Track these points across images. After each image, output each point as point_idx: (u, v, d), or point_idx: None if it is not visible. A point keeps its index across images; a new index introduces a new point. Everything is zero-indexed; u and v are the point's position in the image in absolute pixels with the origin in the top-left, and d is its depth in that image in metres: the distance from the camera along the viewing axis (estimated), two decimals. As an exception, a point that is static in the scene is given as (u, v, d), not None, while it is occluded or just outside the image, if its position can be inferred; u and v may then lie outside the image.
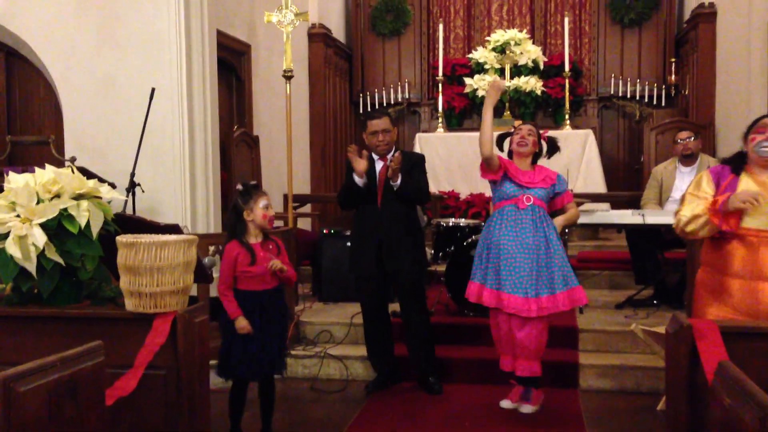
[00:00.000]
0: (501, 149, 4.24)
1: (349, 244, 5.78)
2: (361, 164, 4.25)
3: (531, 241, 3.94)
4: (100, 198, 2.95)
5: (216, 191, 5.47)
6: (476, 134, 8.58)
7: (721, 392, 1.83)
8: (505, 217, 4.02)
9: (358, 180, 4.30)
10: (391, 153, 4.41)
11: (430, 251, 5.82)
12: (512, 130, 4.25)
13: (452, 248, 5.38)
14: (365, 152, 4.35)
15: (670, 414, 2.47)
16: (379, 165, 4.43)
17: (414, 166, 4.43)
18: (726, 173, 3.18)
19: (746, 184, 3.10)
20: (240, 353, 3.51)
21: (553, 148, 4.24)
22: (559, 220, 4.12)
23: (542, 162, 4.23)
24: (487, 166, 4.00)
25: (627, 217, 5.29)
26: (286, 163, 5.75)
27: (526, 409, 4.09)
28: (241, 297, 3.54)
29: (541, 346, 4.01)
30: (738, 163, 3.18)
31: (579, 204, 6.20)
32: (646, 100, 9.23)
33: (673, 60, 9.06)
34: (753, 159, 3.14)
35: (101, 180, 3.24)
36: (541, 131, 4.24)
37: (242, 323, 3.49)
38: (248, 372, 3.58)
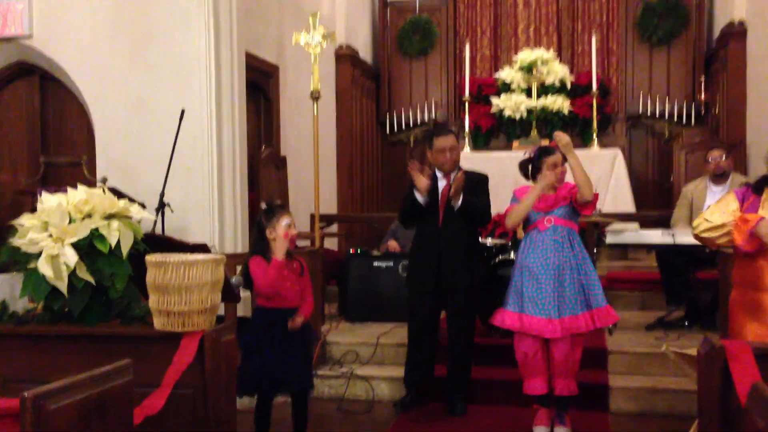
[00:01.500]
0: (527, 176, 4.19)
1: (375, 263, 5.81)
2: (422, 181, 4.23)
3: (552, 262, 3.92)
4: (131, 218, 2.99)
5: (244, 211, 5.51)
6: (504, 154, 8.56)
7: (755, 414, 1.79)
8: (530, 240, 4.04)
9: (420, 197, 4.29)
10: (455, 172, 4.39)
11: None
12: (528, 156, 4.15)
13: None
14: (427, 168, 4.31)
15: (702, 438, 2.42)
16: (442, 183, 4.42)
17: (477, 185, 4.40)
18: (749, 194, 3.17)
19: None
20: (259, 368, 3.52)
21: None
22: (569, 144, 3.97)
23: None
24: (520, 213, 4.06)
25: (657, 236, 5.23)
26: (313, 182, 5.78)
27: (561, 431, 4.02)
28: (264, 314, 3.57)
29: (576, 363, 3.99)
30: (761, 185, 3.15)
31: (606, 224, 6.17)
32: (675, 118, 9.12)
33: (702, 78, 8.97)
34: None
35: (131, 200, 3.28)
36: (549, 144, 4.18)
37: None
38: (269, 387, 3.58)
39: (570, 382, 3.96)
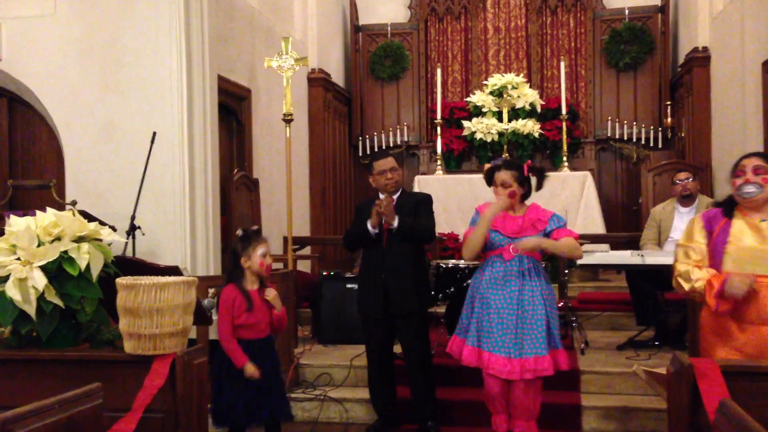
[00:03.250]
0: (489, 184, 3.94)
1: (348, 285, 5.80)
2: (375, 219, 4.28)
3: (516, 296, 3.68)
4: (101, 240, 2.96)
5: (216, 234, 5.48)
6: (476, 176, 8.58)
7: (723, 431, 1.82)
8: (491, 268, 3.79)
9: (371, 230, 4.32)
10: (397, 193, 4.43)
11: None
12: (491, 164, 3.94)
13: (452, 289, 5.37)
14: (391, 202, 4.33)
15: (673, 455, 2.45)
16: None
17: (419, 204, 4.43)
18: (718, 217, 3.17)
19: (739, 226, 3.09)
20: (234, 398, 3.47)
21: (540, 176, 3.92)
22: (539, 242, 3.70)
23: (536, 196, 3.96)
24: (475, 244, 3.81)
25: (626, 257, 5.29)
26: (286, 205, 5.78)
27: None
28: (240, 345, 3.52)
29: (537, 405, 3.80)
30: (729, 206, 3.17)
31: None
32: (643, 142, 9.32)
33: (668, 103, 9.18)
34: (739, 202, 3.15)
35: (102, 223, 3.26)
36: (524, 165, 3.89)
37: (250, 370, 3.46)
38: (245, 418, 3.53)
39: (530, 425, 3.80)
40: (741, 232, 3.08)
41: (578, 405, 4.60)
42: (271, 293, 3.55)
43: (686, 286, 3.10)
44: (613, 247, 6.60)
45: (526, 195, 3.89)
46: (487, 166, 4.12)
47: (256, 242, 3.56)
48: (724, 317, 3.06)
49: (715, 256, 3.10)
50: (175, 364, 2.63)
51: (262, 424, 3.65)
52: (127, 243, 4.74)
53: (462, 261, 5.81)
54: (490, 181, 3.90)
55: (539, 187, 3.95)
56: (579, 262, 6.03)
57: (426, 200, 4.50)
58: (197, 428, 2.71)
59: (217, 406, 3.50)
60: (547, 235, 3.75)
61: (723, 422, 1.84)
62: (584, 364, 4.97)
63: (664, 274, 5.36)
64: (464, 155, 9.79)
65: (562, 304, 5.92)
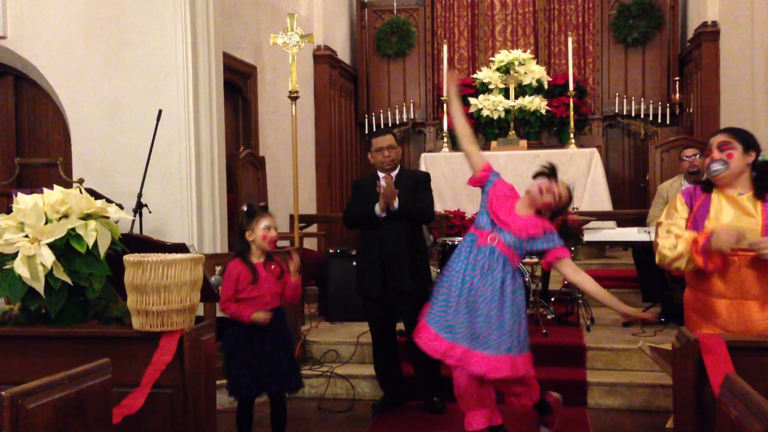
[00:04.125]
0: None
1: (354, 263, 5.82)
2: (382, 202, 4.26)
3: (478, 284, 3.35)
4: (108, 218, 2.97)
5: (222, 212, 5.49)
6: (483, 154, 8.56)
7: (728, 405, 1.82)
8: (466, 245, 3.48)
9: (380, 214, 4.30)
10: (395, 171, 4.43)
11: (435, 270, 5.81)
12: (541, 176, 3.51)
13: (458, 267, 5.37)
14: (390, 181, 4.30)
15: (677, 428, 2.46)
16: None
17: (418, 183, 4.43)
18: (698, 193, 3.17)
19: (717, 201, 3.09)
20: (244, 370, 3.52)
21: (567, 234, 3.59)
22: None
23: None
24: (468, 160, 3.57)
25: (633, 234, 5.29)
26: (292, 183, 5.78)
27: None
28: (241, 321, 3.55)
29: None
30: (708, 183, 3.16)
31: (585, 222, 6.22)
32: (651, 118, 9.26)
33: (677, 78, 9.10)
34: (711, 180, 3.13)
35: (108, 201, 3.27)
36: (570, 213, 3.59)
37: (260, 316, 3.51)
38: (256, 389, 3.58)
39: (522, 398, 3.54)
40: (720, 207, 3.07)
41: (584, 381, 4.62)
42: (295, 259, 3.61)
43: (671, 254, 3.05)
44: (620, 224, 6.59)
45: (552, 217, 3.52)
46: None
47: (260, 216, 3.59)
48: (706, 294, 3.06)
49: (695, 227, 3.09)
50: (183, 341, 2.65)
51: (270, 394, 3.69)
52: (134, 221, 4.75)
53: (458, 238, 5.80)
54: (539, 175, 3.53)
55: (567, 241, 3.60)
56: (585, 238, 6.03)
57: (425, 179, 4.49)
58: (205, 403, 2.74)
59: (231, 379, 3.55)
60: (539, 251, 3.49)
61: (728, 396, 1.85)
62: (590, 341, 4.99)
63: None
64: (471, 132, 9.74)
65: (568, 282, 5.93)
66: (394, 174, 4.41)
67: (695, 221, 3.10)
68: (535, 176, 3.52)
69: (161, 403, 2.62)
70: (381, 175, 4.43)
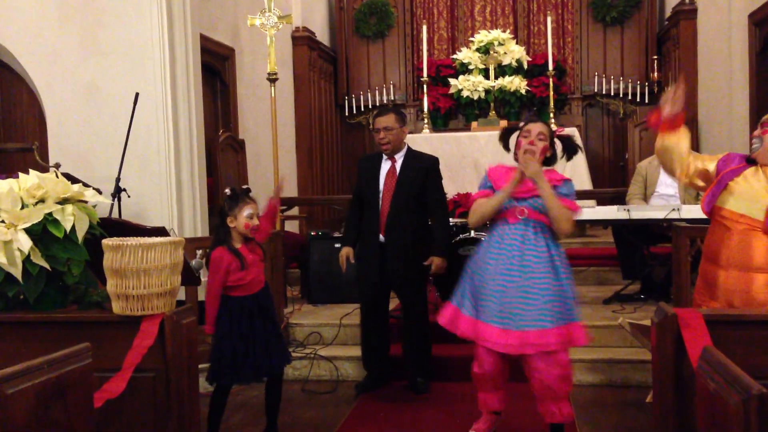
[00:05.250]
0: (506, 148, 3.60)
1: (336, 245, 5.81)
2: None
3: (518, 262, 3.27)
4: (86, 203, 2.94)
5: (202, 195, 5.46)
6: (463, 134, 8.41)
7: (706, 377, 1.85)
8: (495, 233, 3.40)
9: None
10: (400, 154, 4.33)
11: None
12: (520, 125, 3.52)
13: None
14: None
15: (656, 402, 2.49)
16: (386, 165, 4.38)
17: (428, 173, 4.30)
18: (737, 160, 3.11)
19: (753, 170, 3.04)
20: (234, 357, 3.47)
21: (571, 148, 3.54)
22: (540, 176, 3.30)
23: (560, 164, 3.61)
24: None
25: (613, 212, 5.32)
26: (273, 166, 5.75)
27: None
28: (238, 303, 3.52)
29: (563, 381, 3.32)
30: (753, 160, 3.10)
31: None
32: (630, 97, 9.30)
33: (655, 57, 9.14)
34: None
35: (86, 185, 3.22)
36: (555, 129, 3.58)
37: (213, 336, 3.49)
38: (252, 375, 3.54)
39: (561, 406, 3.33)
40: (752, 174, 3.03)
41: (565, 358, 4.66)
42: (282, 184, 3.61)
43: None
44: (600, 203, 6.64)
45: (548, 160, 3.48)
46: (504, 123, 3.78)
47: (243, 203, 3.54)
48: (713, 265, 3.06)
49: (718, 184, 3.06)
50: (164, 324, 2.63)
51: (269, 376, 3.66)
52: (112, 205, 4.71)
53: (450, 220, 5.81)
54: (507, 139, 3.57)
55: (568, 158, 3.58)
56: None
57: (434, 168, 4.34)
58: (188, 387, 2.73)
59: (216, 366, 3.50)
60: (559, 192, 3.37)
61: (706, 369, 1.87)
62: (571, 319, 5.02)
63: (650, 228, 5.41)
64: (451, 113, 9.75)
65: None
66: (398, 157, 4.32)
67: (722, 178, 3.06)
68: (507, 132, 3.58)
69: (144, 387, 2.60)
70: (384, 156, 4.35)
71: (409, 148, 4.43)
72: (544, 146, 3.40)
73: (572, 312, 3.30)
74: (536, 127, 3.42)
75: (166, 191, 5.16)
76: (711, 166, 3.15)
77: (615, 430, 3.87)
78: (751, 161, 3.09)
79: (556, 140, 3.52)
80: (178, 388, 2.66)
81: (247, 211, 3.52)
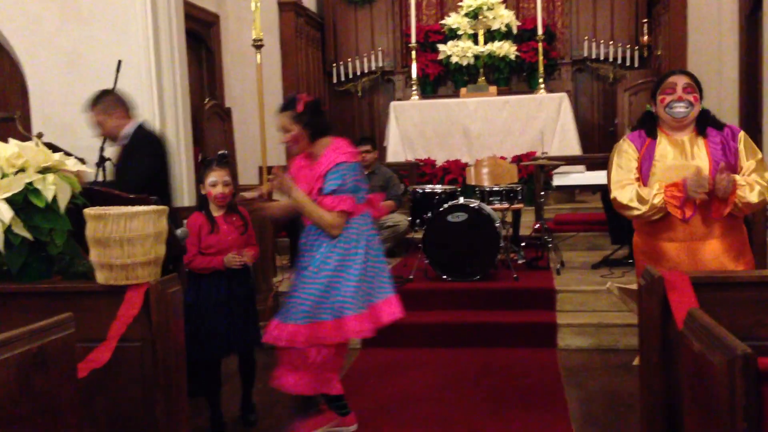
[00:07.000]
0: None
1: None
2: None
3: (306, 264, 3.42)
4: (67, 171, 2.89)
5: (189, 165, 5.42)
6: (452, 101, 8.32)
7: (691, 338, 1.85)
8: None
9: None
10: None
11: (407, 218, 5.82)
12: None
13: (429, 214, 5.38)
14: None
15: (642, 364, 2.50)
16: None
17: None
18: (643, 137, 3.16)
19: (663, 148, 3.10)
20: (206, 331, 3.45)
21: (315, 113, 3.37)
22: (296, 200, 3.35)
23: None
24: None
25: (602, 178, 5.29)
26: (260, 134, 5.69)
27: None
28: (207, 275, 3.50)
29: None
30: (651, 126, 3.16)
31: (554, 168, 6.23)
32: (620, 61, 9.24)
33: (645, 21, 9.06)
34: (665, 120, 3.13)
35: (68, 154, 3.17)
36: (297, 100, 3.38)
37: (231, 259, 3.46)
38: (218, 350, 3.53)
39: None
40: (665, 151, 3.10)
41: (553, 323, 4.70)
42: (232, 261, 3.48)
43: (643, 209, 3.05)
44: (589, 168, 6.61)
45: (317, 133, 3.32)
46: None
47: (209, 170, 3.50)
48: (655, 239, 3.12)
49: (641, 177, 3.12)
50: (149, 294, 2.61)
51: (236, 353, 3.65)
52: (97, 175, 4.65)
53: (438, 186, 5.80)
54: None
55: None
56: (555, 183, 6.06)
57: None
58: (175, 356, 2.72)
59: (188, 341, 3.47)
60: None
61: (691, 330, 1.87)
62: (560, 284, 5.05)
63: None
64: (440, 80, 9.66)
65: (538, 226, 5.98)
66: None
67: (640, 167, 3.13)
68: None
69: (130, 356, 2.59)
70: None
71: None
72: (292, 136, 3.33)
73: (323, 311, 3.23)
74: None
75: (151, 160, 5.09)
76: (635, 154, 3.15)
77: (602, 393, 3.90)
78: (650, 133, 3.13)
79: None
80: (165, 356, 2.64)
81: (210, 179, 3.48)
